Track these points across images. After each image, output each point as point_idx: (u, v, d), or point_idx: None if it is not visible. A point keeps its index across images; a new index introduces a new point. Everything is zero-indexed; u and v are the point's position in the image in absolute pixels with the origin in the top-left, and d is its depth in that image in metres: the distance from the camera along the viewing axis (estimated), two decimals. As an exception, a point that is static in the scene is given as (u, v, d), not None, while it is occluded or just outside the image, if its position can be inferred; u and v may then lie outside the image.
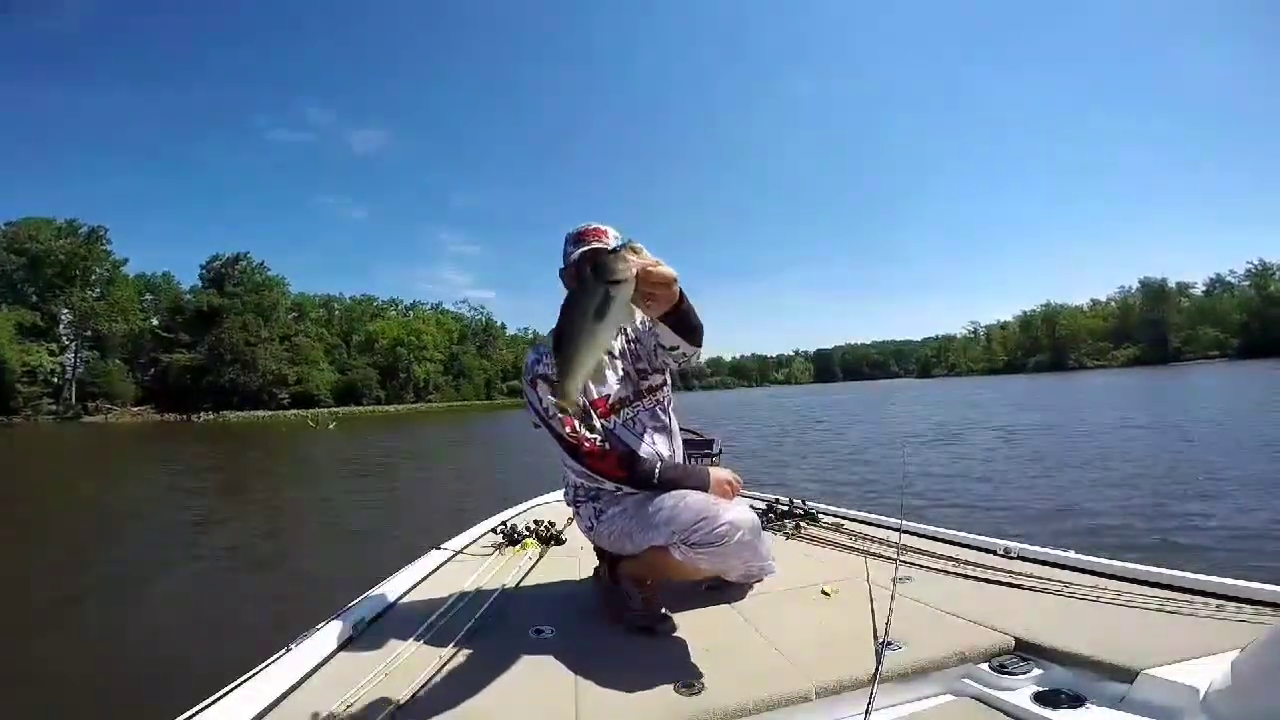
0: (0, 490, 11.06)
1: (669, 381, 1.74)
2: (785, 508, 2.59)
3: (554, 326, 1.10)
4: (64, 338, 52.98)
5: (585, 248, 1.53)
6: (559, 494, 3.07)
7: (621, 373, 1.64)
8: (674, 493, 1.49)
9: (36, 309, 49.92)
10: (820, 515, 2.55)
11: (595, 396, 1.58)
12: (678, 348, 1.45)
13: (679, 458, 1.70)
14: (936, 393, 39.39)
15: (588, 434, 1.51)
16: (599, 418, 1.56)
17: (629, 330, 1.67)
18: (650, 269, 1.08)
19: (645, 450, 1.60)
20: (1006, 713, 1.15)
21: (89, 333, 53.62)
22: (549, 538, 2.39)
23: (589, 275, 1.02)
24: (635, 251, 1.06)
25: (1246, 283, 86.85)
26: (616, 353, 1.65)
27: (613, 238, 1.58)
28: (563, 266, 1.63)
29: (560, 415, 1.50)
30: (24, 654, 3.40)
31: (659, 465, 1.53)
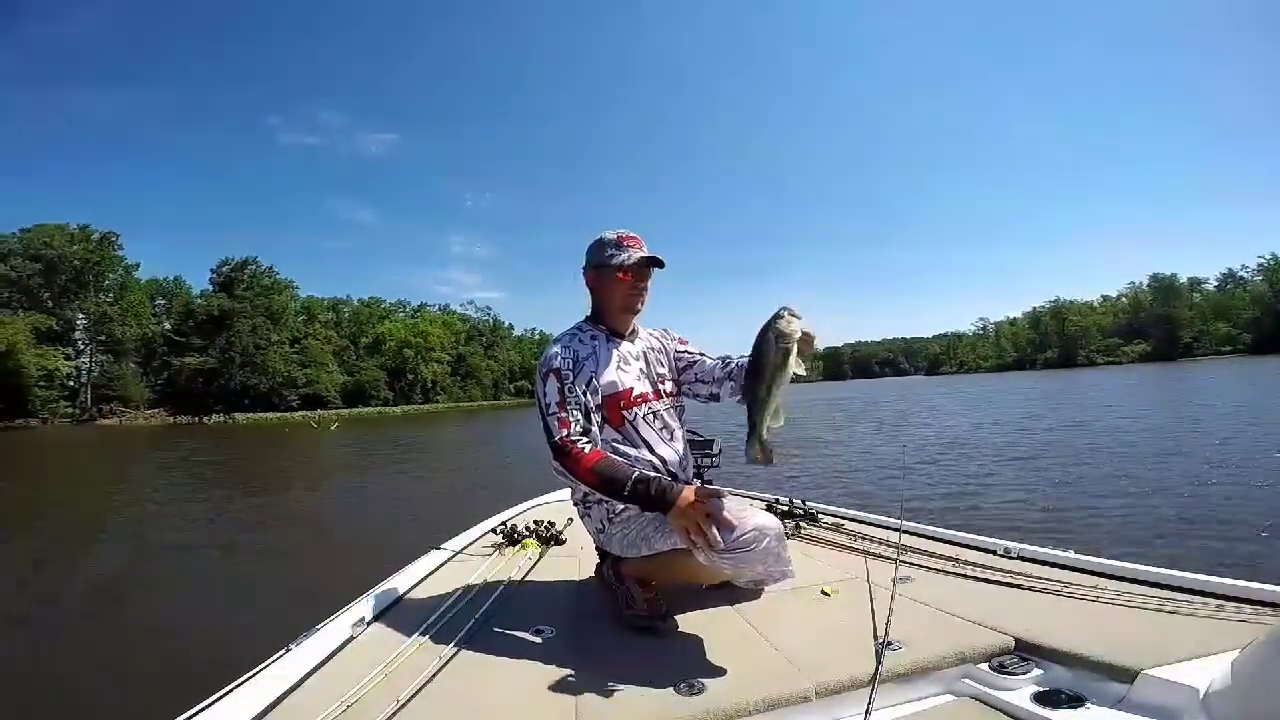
0: (16, 491, 11.20)
1: (679, 392, 1.81)
2: (785, 508, 2.58)
3: (746, 374, 1.44)
4: (79, 342, 53.63)
5: (639, 253, 1.66)
6: (559, 494, 3.09)
7: (639, 373, 1.69)
8: None
9: (52, 314, 50.45)
10: (820, 515, 2.54)
11: (622, 388, 1.63)
12: None
13: (683, 456, 1.74)
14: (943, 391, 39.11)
15: (584, 440, 1.53)
16: (623, 408, 1.62)
17: (652, 341, 1.79)
18: (808, 330, 1.38)
19: (650, 452, 1.64)
20: (1006, 713, 1.14)
21: (103, 337, 54.19)
22: (549, 538, 2.38)
23: (771, 338, 1.35)
24: (797, 316, 1.37)
25: (1259, 277, 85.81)
26: (634, 356, 1.71)
27: (643, 245, 1.68)
28: (589, 266, 1.72)
29: (556, 416, 1.55)
30: (23, 654, 3.44)
31: (630, 481, 1.45)
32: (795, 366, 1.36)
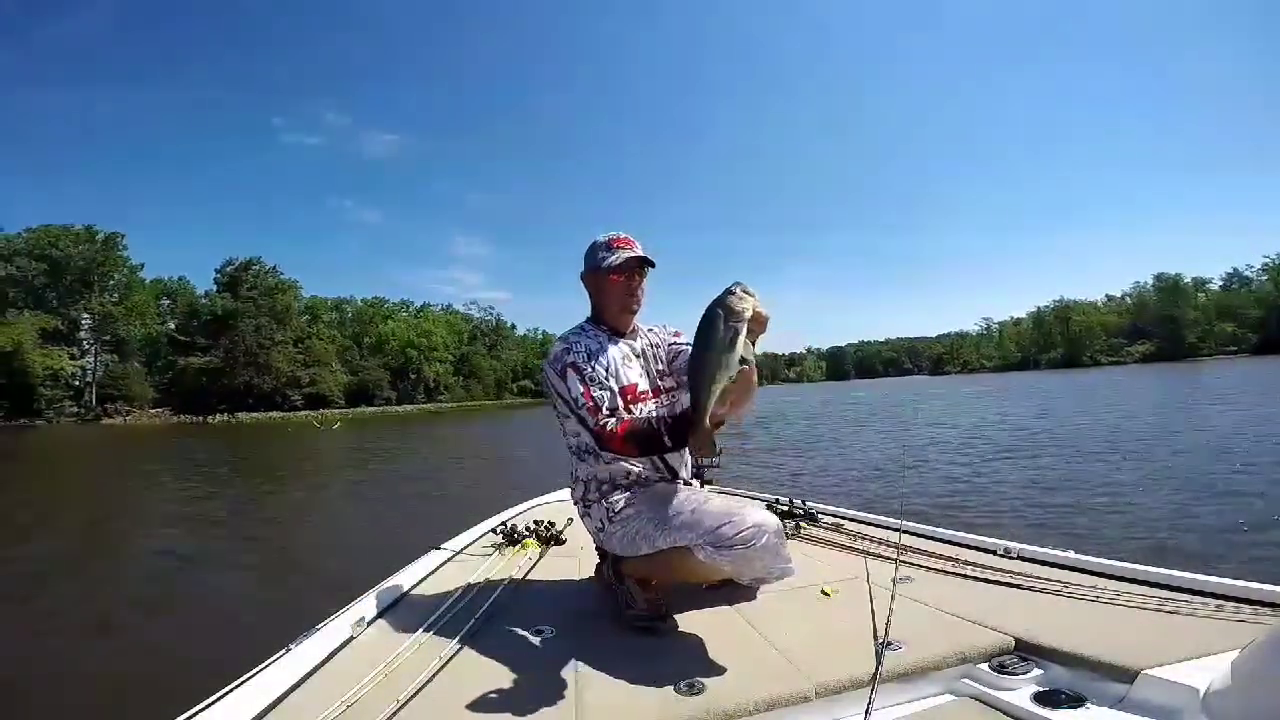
0: (18, 491, 11.26)
1: (679, 386, 1.80)
2: (785, 508, 2.58)
3: (691, 355, 1.34)
4: (84, 342, 53.88)
5: (627, 254, 1.66)
6: (559, 494, 3.10)
7: (642, 370, 1.70)
8: (692, 496, 1.54)
9: (57, 314, 50.79)
10: (820, 515, 2.54)
11: (626, 384, 1.63)
12: None
13: (683, 452, 1.73)
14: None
15: (611, 420, 1.53)
16: (628, 404, 1.61)
17: (651, 338, 1.79)
18: (758, 309, 1.28)
19: None
20: (1006, 713, 1.15)
21: (108, 337, 54.48)
22: (549, 538, 2.39)
23: (719, 315, 1.24)
24: (750, 294, 1.27)
25: (1264, 277, 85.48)
26: (636, 353, 1.72)
27: (639, 247, 1.67)
28: (585, 270, 1.73)
29: (586, 408, 1.55)
30: (23, 653, 3.44)
31: (663, 431, 1.44)
32: (744, 350, 1.25)
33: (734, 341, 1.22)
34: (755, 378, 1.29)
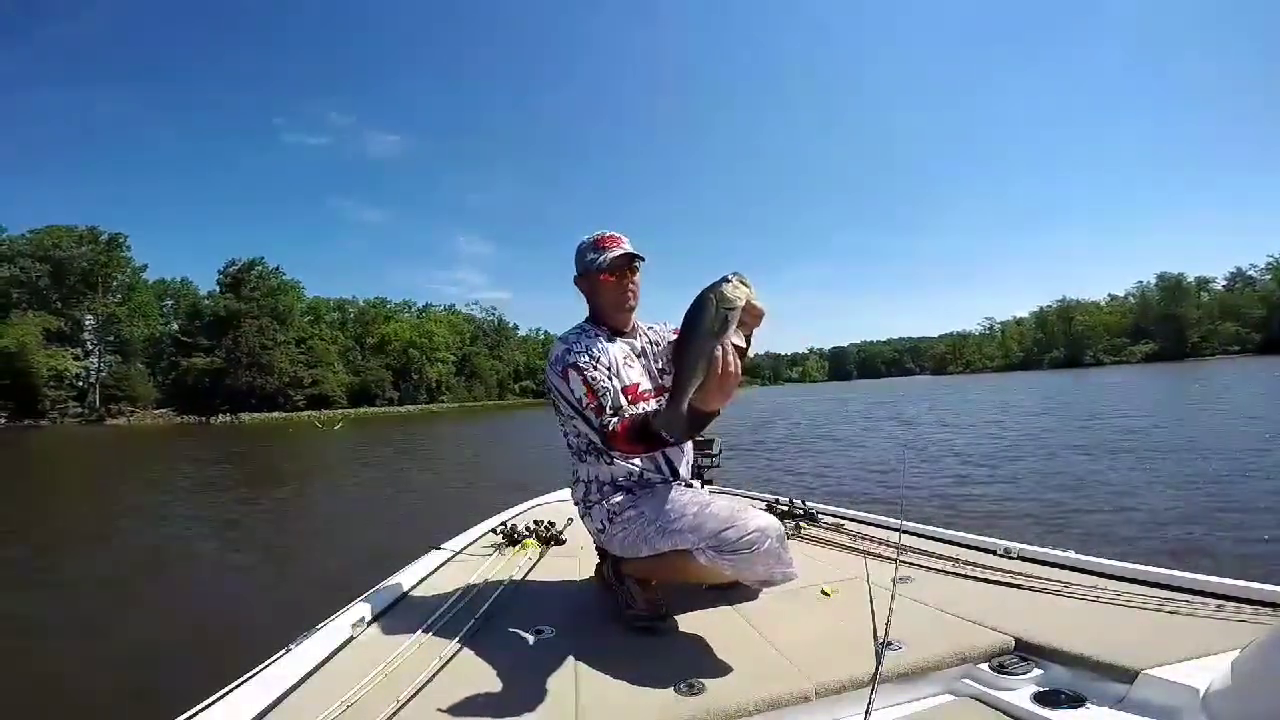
0: (12, 488, 11.29)
1: None
2: (785, 508, 2.58)
3: (678, 338, 1.31)
4: (88, 343, 54.03)
5: (614, 253, 1.64)
6: (559, 494, 3.11)
7: (643, 369, 1.69)
8: (694, 499, 1.52)
9: (61, 315, 50.97)
10: (820, 515, 2.54)
11: (628, 383, 1.62)
12: None
13: (684, 449, 1.74)
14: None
15: (614, 420, 1.52)
16: (629, 404, 1.59)
17: (651, 335, 1.77)
18: (754, 301, 1.24)
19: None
20: (1006, 713, 1.14)
21: (111, 337, 54.67)
22: (549, 538, 2.39)
23: (711, 299, 1.20)
24: (746, 284, 1.22)
25: (1268, 277, 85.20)
26: (637, 352, 1.71)
27: (627, 243, 1.67)
28: (577, 274, 1.72)
29: (590, 408, 1.53)
30: (25, 652, 3.44)
31: (660, 427, 1.36)
32: (733, 337, 1.22)
33: (724, 328, 1.20)
34: (739, 367, 1.24)
